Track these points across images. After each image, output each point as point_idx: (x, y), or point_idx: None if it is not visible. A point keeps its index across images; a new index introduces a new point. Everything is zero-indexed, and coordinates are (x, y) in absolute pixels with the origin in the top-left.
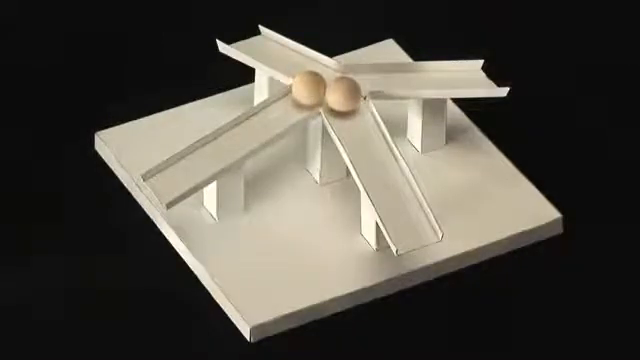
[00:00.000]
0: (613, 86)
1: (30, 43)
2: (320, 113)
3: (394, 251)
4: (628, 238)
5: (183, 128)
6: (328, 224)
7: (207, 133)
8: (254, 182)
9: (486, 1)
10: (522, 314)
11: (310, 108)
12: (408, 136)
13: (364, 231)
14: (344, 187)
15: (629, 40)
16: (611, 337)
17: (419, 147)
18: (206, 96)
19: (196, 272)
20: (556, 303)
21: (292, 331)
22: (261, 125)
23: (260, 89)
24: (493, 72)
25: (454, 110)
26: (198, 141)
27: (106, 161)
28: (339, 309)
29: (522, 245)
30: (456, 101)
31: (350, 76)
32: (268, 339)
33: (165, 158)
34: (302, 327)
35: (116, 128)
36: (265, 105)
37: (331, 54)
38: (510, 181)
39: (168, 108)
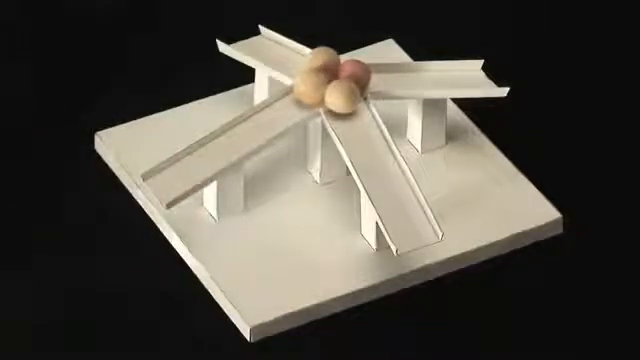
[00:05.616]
0: (613, 86)
1: (30, 43)
2: (320, 113)
3: (394, 251)
4: (628, 238)
5: (183, 128)
6: (328, 224)
7: (207, 133)
8: (254, 182)
9: (486, 1)
10: (522, 314)
11: (311, 108)
12: (408, 136)
13: (364, 231)
14: (344, 187)
15: (629, 40)
16: (611, 337)
17: (419, 147)
18: (206, 96)
19: (196, 272)
20: (556, 303)
21: (292, 331)
22: (261, 125)
23: (260, 89)
24: (493, 72)
25: (454, 110)
26: (198, 141)
27: (106, 161)
28: (339, 309)
29: (522, 245)
30: (456, 101)
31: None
32: (268, 339)
33: (165, 158)
34: (302, 327)
35: (116, 128)
36: (265, 105)
37: None
38: (510, 181)
39: (168, 108)
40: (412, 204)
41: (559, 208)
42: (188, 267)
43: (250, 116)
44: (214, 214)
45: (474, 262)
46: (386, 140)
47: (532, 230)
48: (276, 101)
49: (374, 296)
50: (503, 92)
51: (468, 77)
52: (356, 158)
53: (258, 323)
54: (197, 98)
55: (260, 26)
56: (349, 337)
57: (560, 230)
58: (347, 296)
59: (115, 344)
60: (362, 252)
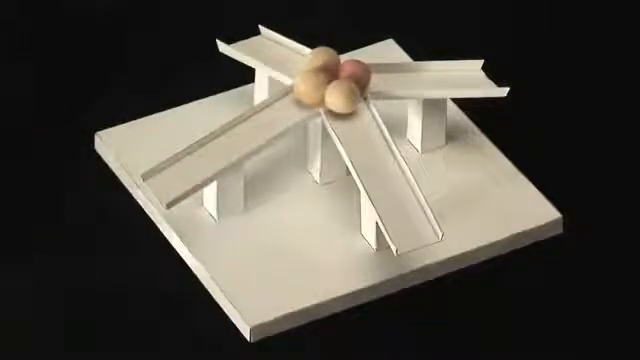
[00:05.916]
0: (613, 86)
1: (30, 43)
2: (320, 113)
3: (394, 251)
4: (628, 238)
5: (183, 128)
6: (328, 224)
7: (207, 133)
8: (254, 182)
9: (486, 1)
10: (522, 314)
11: (311, 108)
12: (408, 136)
13: (364, 231)
14: (344, 187)
15: (629, 40)
16: (611, 337)
17: (419, 147)
18: (206, 96)
19: (196, 272)
20: (556, 303)
21: (292, 331)
22: (261, 125)
23: (260, 89)
24: (493, 72)
25: (454, 110)
26: (198, 141)
27: (106, 161)
28: (339, 309)
29: (522, 245)
30: (456, 101)
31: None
32: (268, 339)
33: (165, 158)
34: (302, 327)
35: (116, 128)
36: (265, 105)
37: None
38: (510, 181)
39: (168, 108)
40: (412, 204)
41: (559, 208)
42: (188, 267)
43: (250, 116)
44: (214, 214)
45: (474, 262)
46: (386, 140)
47: (532, 230)
48: (276, 101)
49: (374, 296)
50: (503, 92)
51: (468, 77)
52: (356, 158)
53: (258, 323)
54: (197, 98)
55: (260, 26)
56: (349, 337)
57: (560, 230)
58: (347, 296)
59: (115, 344)
60: (362, 252)
